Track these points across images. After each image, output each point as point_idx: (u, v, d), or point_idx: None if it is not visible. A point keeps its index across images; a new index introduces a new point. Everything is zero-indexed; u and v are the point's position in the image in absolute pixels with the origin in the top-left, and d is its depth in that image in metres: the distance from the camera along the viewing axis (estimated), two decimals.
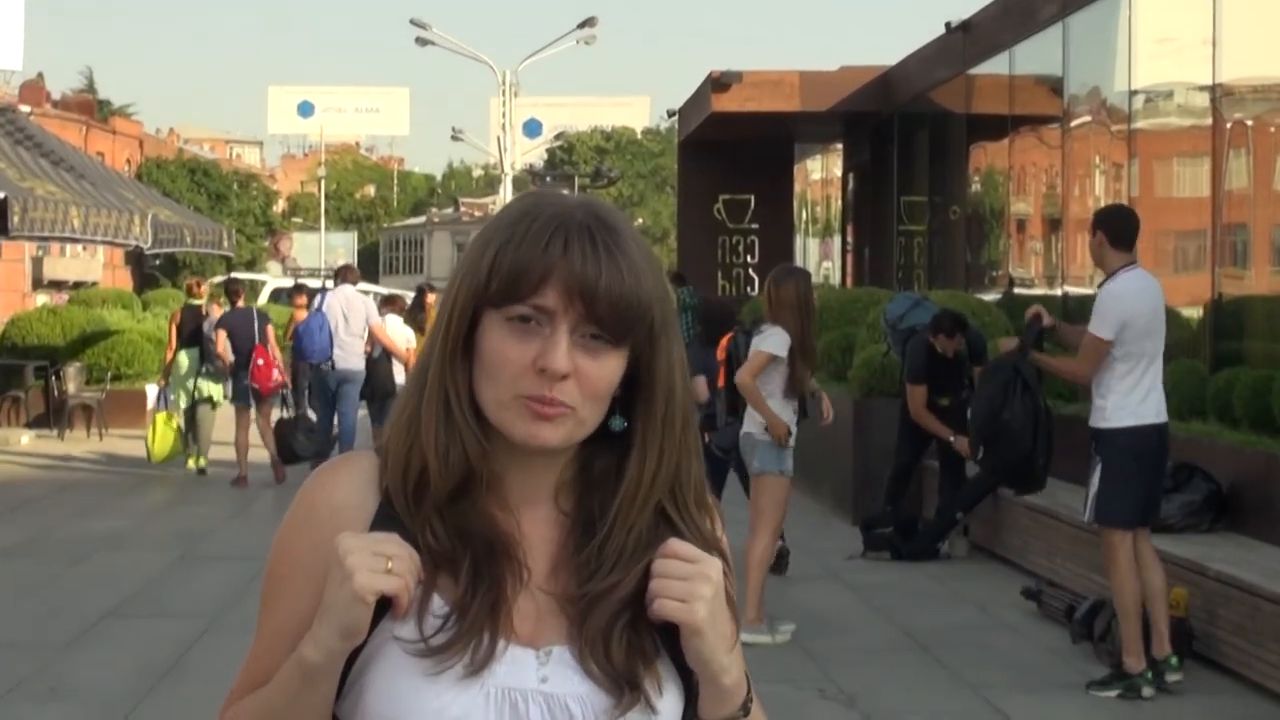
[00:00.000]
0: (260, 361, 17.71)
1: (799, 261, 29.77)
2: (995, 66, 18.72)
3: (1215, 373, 11.78)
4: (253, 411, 17.96)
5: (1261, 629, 8.55)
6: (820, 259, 30.28)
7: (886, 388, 14.25)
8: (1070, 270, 16.36)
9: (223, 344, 18.02)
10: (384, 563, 1.84)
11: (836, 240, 28.85)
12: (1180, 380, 11.91)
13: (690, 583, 1.90)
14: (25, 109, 32.72)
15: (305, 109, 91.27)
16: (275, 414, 17.86)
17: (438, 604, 1.90)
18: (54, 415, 22.98)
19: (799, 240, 30.38)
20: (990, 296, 17.96)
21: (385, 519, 1.95)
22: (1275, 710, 8.32)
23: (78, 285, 58.14)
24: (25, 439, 22.27)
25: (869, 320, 15.88)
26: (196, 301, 19.26)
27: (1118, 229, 8.78)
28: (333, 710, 1.93)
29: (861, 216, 26.12)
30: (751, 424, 9.98)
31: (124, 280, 63.81)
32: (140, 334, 25.58)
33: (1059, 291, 16.13)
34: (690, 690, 1.98)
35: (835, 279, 28.03)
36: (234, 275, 20.96)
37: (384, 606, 1.86)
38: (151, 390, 21.34)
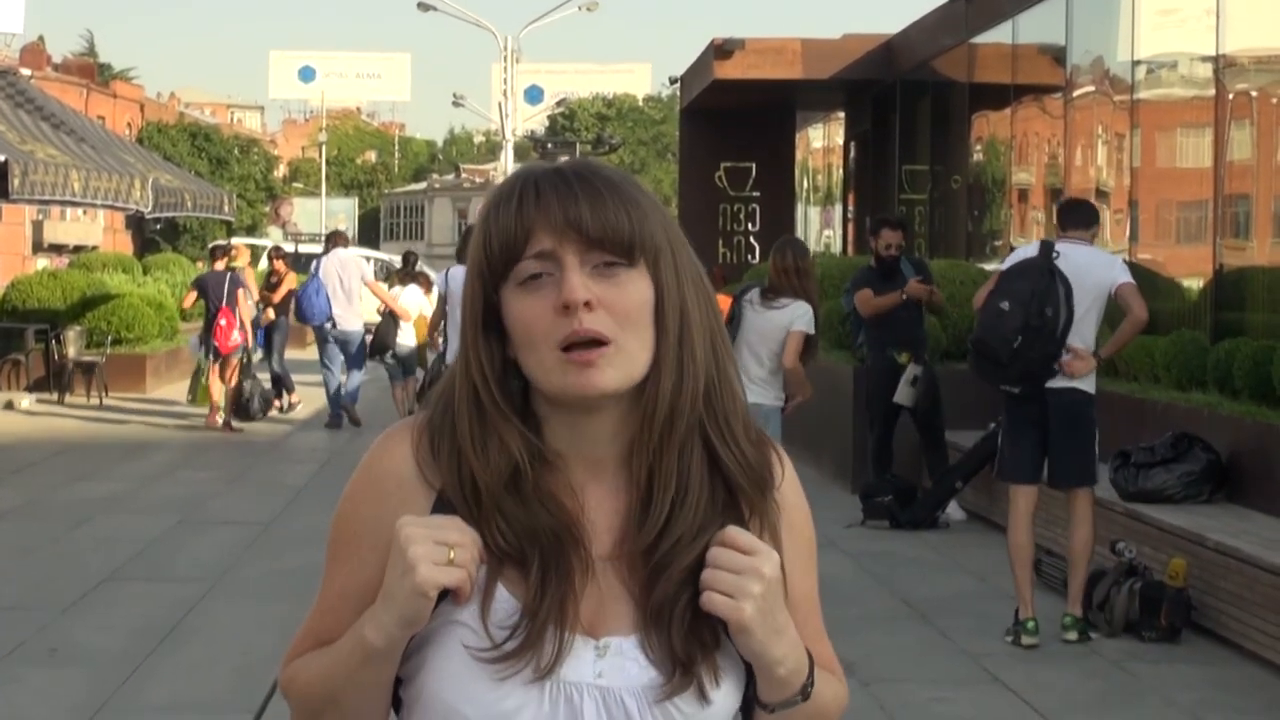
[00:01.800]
0: (223, 322, 18.87)
1: (800, 230, 29.77)
2: (998, 36, 18.68)
3: (1216, 343, 11.78)
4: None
5: (1259, 599, 8.57)
6: (821, 227, 30.26)
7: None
8: None
9: (189, 301, 20.35)
10: (446, 553, 1.81)
11: (837, 209, 28.82)
12: (1181, 351, 11.93)
13: (742, 578, 1.85)
14: (26, 72, 32.63)
15: (306, 74, 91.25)
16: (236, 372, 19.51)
17: (503, 597, 1.88)
18: (54, 378, 22.97)
19: (800, 208, 30.35)
20: (991, 266, 17.94)
21: (443, 504, 1.93)
22: (1272, 679, 8.34)
23: (78, 249, 58.06)
24: (25, 402, 22.27)
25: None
26: (235, 264, 20.61)
27: (1066, 215, 9.51)
28: (395, 675, 1.93)
29: (863, 185, 26.09)
30: (764, 394, 9.96)
31: (124, 244, 63.80)
32: (140, 298, 25.56)
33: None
34: (751, 674, 1.95)
35: (836, 248, 28.02)
36: (219, 242, 21.61)
37: (446, 590, 1.84)
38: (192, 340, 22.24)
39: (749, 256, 27.53)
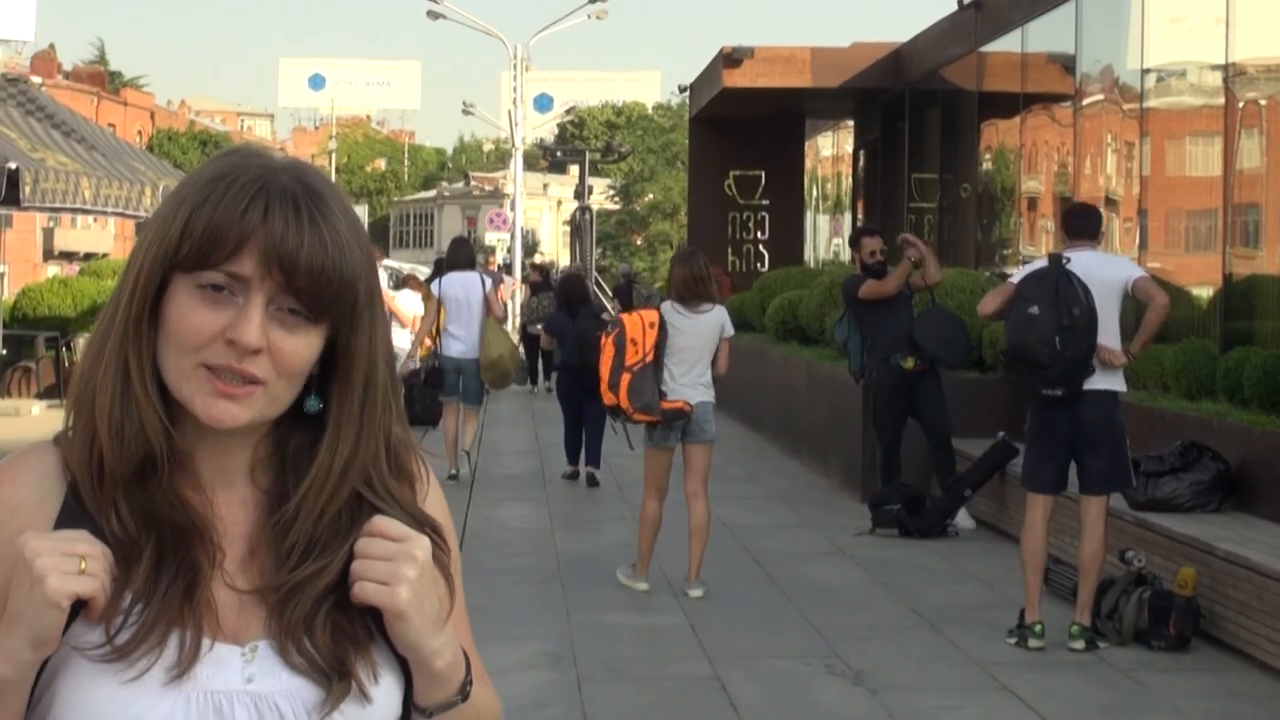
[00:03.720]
0: None
1: (809, 238, 29.81)
2: (1007, 44, 18.69)
3: (1225, 352, 11.77)
4: None
5: (1268, 608, 8.57)
6: (830, 236, 30.26)
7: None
8: None
9: None
10: (77, 563, 1.69)
11: (847, 217, 28.81)
12: (1190, 360, 11.92)
13: (393, 564, 1.78)
14: (37, 80, 32.73)
15: (316, 82, 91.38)
16: None
17: (125, 601, 1.76)
18: (64, 386, 22.93)
19: (809, 216, 30.36)
20: (997, 273, 17.94)
21: (71, 515, 1.80)
22: None
23: (88, 256, 58.15)
24: (36, 409, 22.30)
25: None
26: None
27: (1071, 223, 9.57)
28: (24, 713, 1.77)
29: (872, 193, 26.09)
30: (706, 393, 10.54)
31: None
32: None
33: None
34: (409, 676, 1.86)
35: (845, 256, 27.99)
36: None
37: (75, 610, 1.71)
38: None
39: (758, 265, 27.57)
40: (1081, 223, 9.46)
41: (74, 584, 1.69)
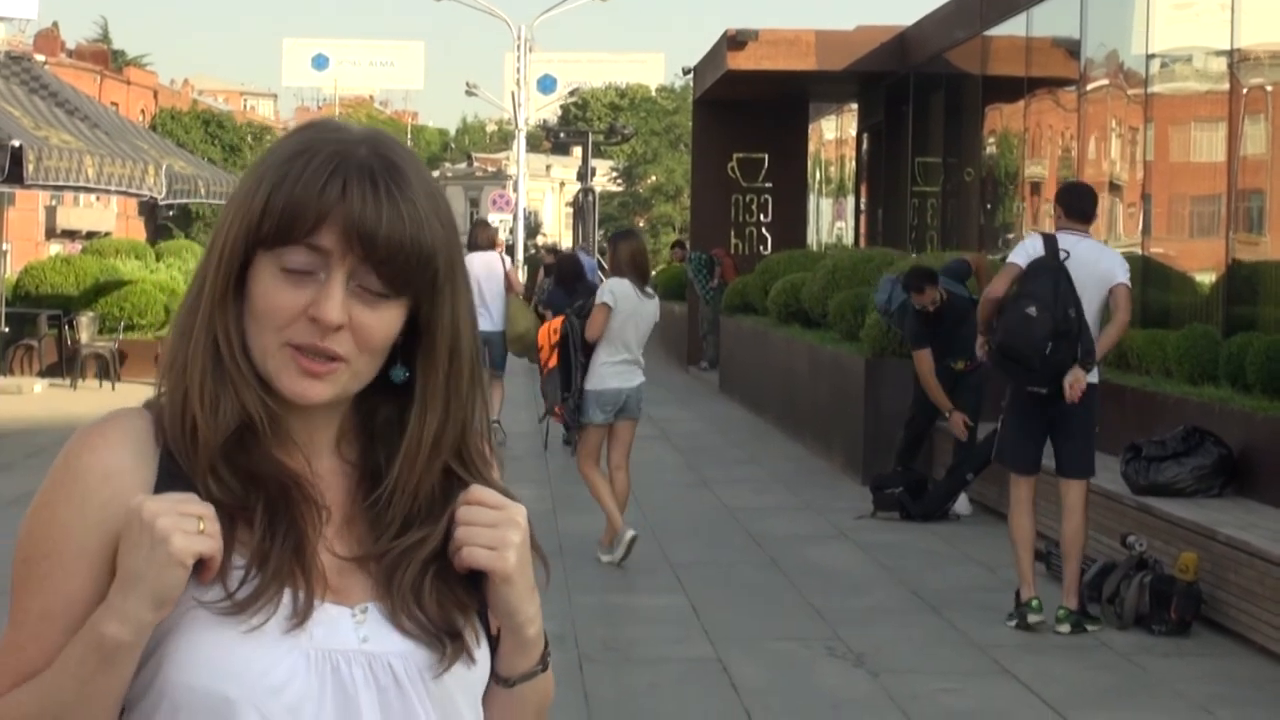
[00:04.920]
0: None
1: (812, 221, 29.80)
2: (1012, 28, 18.66)
3: (1228, 338, 11.78)
4: None
5: (1270, 593, 8.57)
6: (833, 219, 30.24)
7: (898, 348, 14.24)
8: None
9: None
10: (196, 523, 1.71)
11: (850, 200, 28.80)
12: (1193, 345, 11.92)
13: (499, 529, 1.82)
14: (40, 58, 32.70)
15: (320, 62, 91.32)
16: None
17: (236, 560, 1.77)
18: (67, 364, 23.02)
19: (812, 200, 30.35)
20: (1000, 258, 17.94)
21: (170, 478, 1.80)
22: None
23: (91, 235, 58.14)
24: (38, 388, 22.33)
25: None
26: None
27: (1069, 202, 9.44)
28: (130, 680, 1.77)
29: (875, 177, 26.08)
30: (640, 374, 10.99)
31: (137, 231, 63.82)
32: (153, 284, 25.61)
33: None
34: (493, 646, 1.90)
35: (848, 239, 28.01)
36: None
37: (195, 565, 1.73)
38: None
39: (761, 247, 27.55)
40: (1079, 202, 9.43)
41: (197, 543, 1.71)
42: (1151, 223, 14.82)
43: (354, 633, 1.80)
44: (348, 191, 1.77)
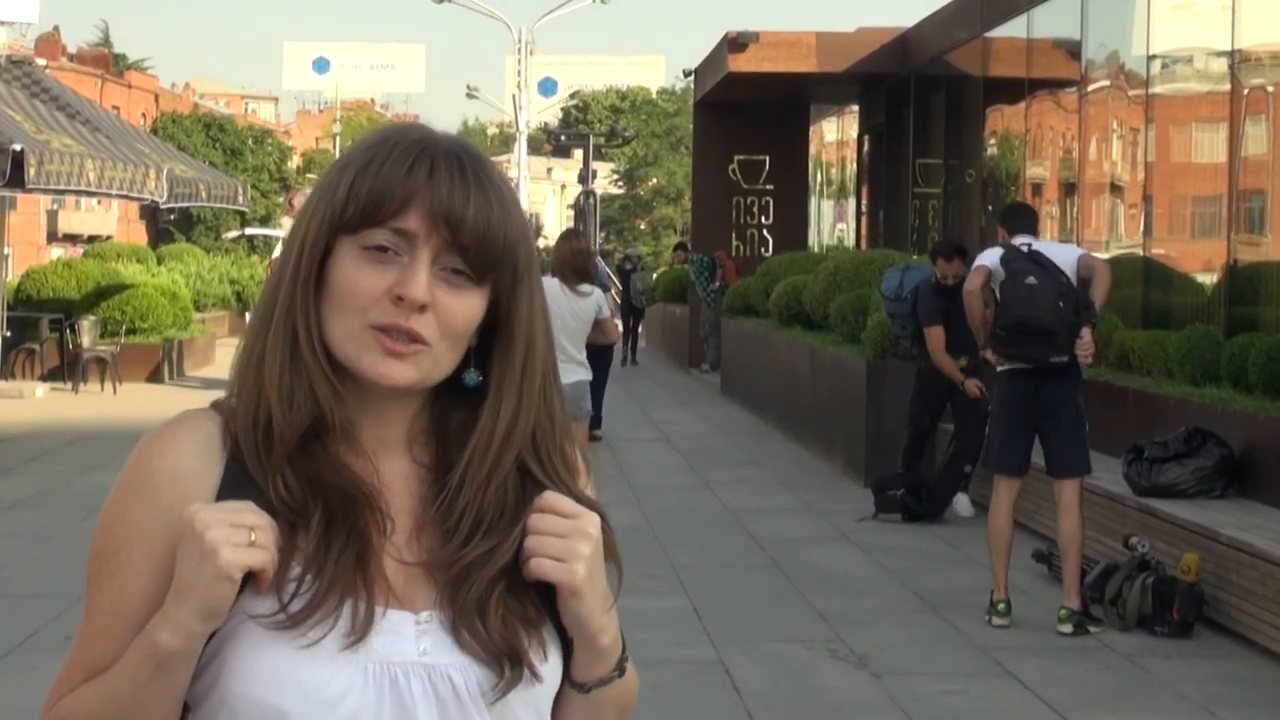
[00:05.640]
0: None
1: (813, 223, 29.81)
2: (1013, 29, 18.66)
3: (1230, 338, 11.77)
4: None
5: (1272, 594, 8.57)
6: (835, 221, 30.24)
7: (899, 350, 14.24)
8: (1085, 235, 16.33)
9: None
10: (247, 535, 1.70)
11: (851, 202, 28.80)
12: (1195, 346, 11.92)
13: (569, 540, 1.80)
14: (41, 62, 32.70)
15: (321, 65, 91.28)
16: None
17: (294, 569, 1.76)
18: (68, 368, 23.02)
19: (813, 202, 30.34)
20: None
21: (234, 483, 1.79)
22: None
23: (92, 239, 58.20)
24: (40, 391, 22.32)
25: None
26: None
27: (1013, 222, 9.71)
28: (187, 686, 1.78)
29: (876, 179, 26.08)
30: (581, 371, 11.01)
31: (138, 234, 63.88)
32: (155, 288, 25.62)
33: None
34: (567, 648, 1.87)
35: (849, 241, 28.01)
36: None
37: (244, 581, 1.72)
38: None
39: (762, 249, 27.56)
40: (1022, 220, 9.69)
41: (245, 556, 1.70)
42: (1153, 224, 14.81)
43: (414, 643, 1.78)
44: (435, 174, 1.78)
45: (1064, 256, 9.24)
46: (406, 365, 1.78)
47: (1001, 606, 9.26)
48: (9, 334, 22.97)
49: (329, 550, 1.77)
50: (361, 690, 1.75)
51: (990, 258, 9.37)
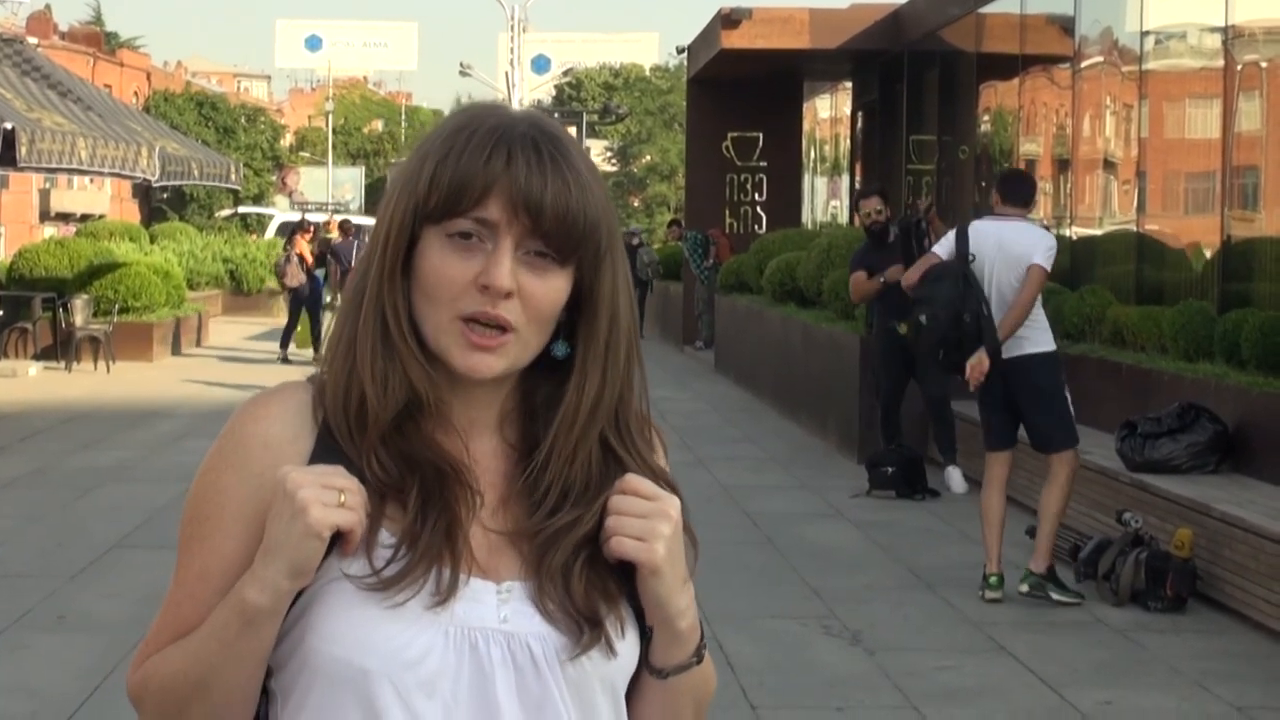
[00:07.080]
0: None
1: (806, 200, 29.77)
2: (1007, 5, 18.63)
3: (1223, 314, 11.77)
4: None
5: (1264, 569, 8.58)
6: (828, 198, 30.22)
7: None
8: (1079, 211, 16.33)
9: (336, 267, 25.05)
10: (336, 496, 1.74)
11: (844, 179, 28.79)
12: (1188, 321, 11.92)
13: (649, 521, 1.83)
14: (32, 40, 32.59)
15: (313, 43, 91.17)
16: None
17: (385, 536, 1.81)
18: (61, 347, 23.02)
19: (807, 178, 30.32)
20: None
21: (326, 451, 1.84)
22: (1277, 648, 8.35)
23: (85, 218, 58.14)
24: (33, 370, 22.31)
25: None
26: (326, 235, 26.37)
27: (1007, 189, 9.68)
28: (273, 644, 1.82)
29: (870, 155, 26.05)
30: None
31: (131, 213, 63.84)
32: (148, 266, 25.60)
33: (1069, 232, 16.10)
34: (644, 636, 1.90)
35: (843, 218, 27.99)
36: (347, 217, 29.17)
37: (332, 543, 1.77)
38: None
39: (756, 226, 27.53)
40: (1016, 188, 9.66)
41: (335, 515, 1.74)
42: (1146, 200, 14.81)
43: (495, 611, 1.83)
44: (513, 162, 1.81)
45: (1021, 252, 9.14)
46: (494, 357, 1.82)
47: (994, 579, 9.30)
48: (2, 313, 22.95)
49: (424, 523, 1.81)
50: (442, 653, 1.80)
51: (944, 249, 9.44)
